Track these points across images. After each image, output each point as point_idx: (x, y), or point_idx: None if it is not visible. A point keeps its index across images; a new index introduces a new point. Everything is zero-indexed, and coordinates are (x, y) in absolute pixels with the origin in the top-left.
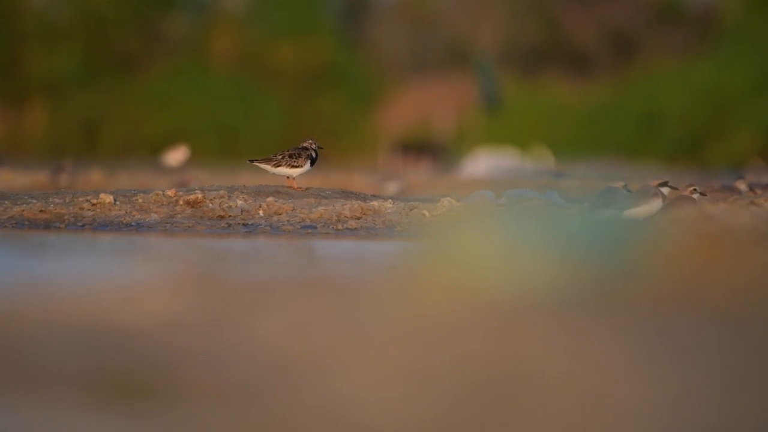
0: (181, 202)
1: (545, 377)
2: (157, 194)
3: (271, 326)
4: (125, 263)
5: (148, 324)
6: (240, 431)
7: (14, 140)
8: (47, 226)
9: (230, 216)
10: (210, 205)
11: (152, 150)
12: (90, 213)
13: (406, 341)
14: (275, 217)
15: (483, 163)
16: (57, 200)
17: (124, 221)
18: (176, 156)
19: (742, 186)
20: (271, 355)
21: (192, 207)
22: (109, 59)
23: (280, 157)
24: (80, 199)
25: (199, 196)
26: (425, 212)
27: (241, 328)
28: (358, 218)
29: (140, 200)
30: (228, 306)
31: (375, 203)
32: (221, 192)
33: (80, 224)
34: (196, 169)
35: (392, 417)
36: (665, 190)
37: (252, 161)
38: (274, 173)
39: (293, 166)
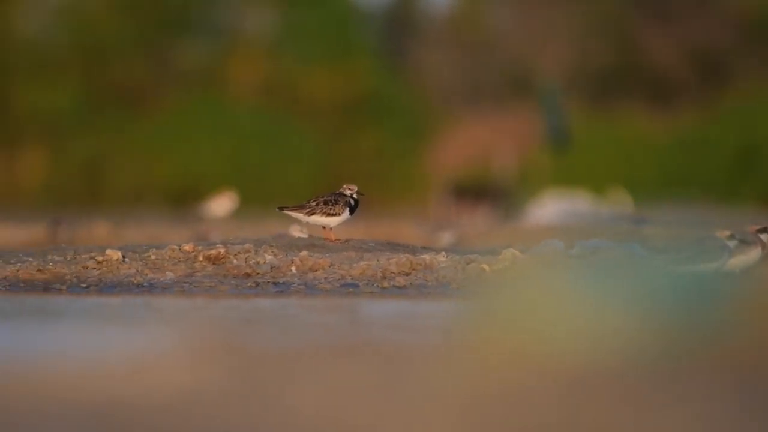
0: (200, 258)
1: None
2: (173, 249)
3: (305, 400)
4: (137, 330)
5: (164, 398)
6: None
7: (6, 189)
8: (46, 288)
9: (258, 273)
10: (234, 261)
11: (165, 197)
12: (95, 272)
13: (462, 415)
14: (310, 274)
15: (551, 208)
16: (57, 258)
17: (135, 281)
18: (223, 204)
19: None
20: None
21: (213, 263)
22: (112, 93)
23: (314, 204)
24: (83, 256)
25: (222, 250)
26: (485, 266)
27: (270, 401)
28: (407, 274)
29: (153, 257)
30: (256, 377)
31: (426, 257)
32: (247, 246)
33: (84, 285)
34: (211, 218)
35: None
36: (765, 237)
37: (282, 209)
38: (307, 223)
39: (329, 215)
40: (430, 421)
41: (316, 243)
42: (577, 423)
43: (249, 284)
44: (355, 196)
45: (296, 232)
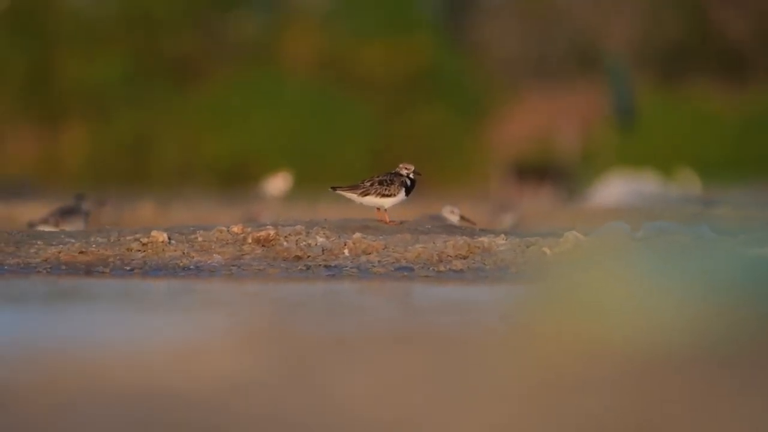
0: (249, 241)
1: None
2: (221, 231)
3: (355, 389)
4: (182, 315)
5: (210, 388)
6: None
7: (48, 166)
8: (88, 270)
9: (309, 256)
10: (284, 243)
11: (214, 176)
12: (140, 254)
13: (520, 406)
14: (363, 257)
15: (616, 189)
16: (100, 239)
17: (181, 264)
18: (277, 184)
19: None
20: (355, 425)
21: (263, 246)
22: (161, 67)
23: (369, 184)
24: (128, 237)
25: (272, 232)
26: (546, 249)
27: (319, 391)
28: (464, 257)
29: (200, 238)
30: (305, 365)
31: (484, 239)
32: (298, 227)
33: (128, 268)
34: (266, 199)
35: None
36: None
37: (335, 189)
38: (361, 204)
39: (384, 195)
40: (486, 413)
41: (369, 225)
42: (641, 413)
43: (299, 267)
44: (411, 175)
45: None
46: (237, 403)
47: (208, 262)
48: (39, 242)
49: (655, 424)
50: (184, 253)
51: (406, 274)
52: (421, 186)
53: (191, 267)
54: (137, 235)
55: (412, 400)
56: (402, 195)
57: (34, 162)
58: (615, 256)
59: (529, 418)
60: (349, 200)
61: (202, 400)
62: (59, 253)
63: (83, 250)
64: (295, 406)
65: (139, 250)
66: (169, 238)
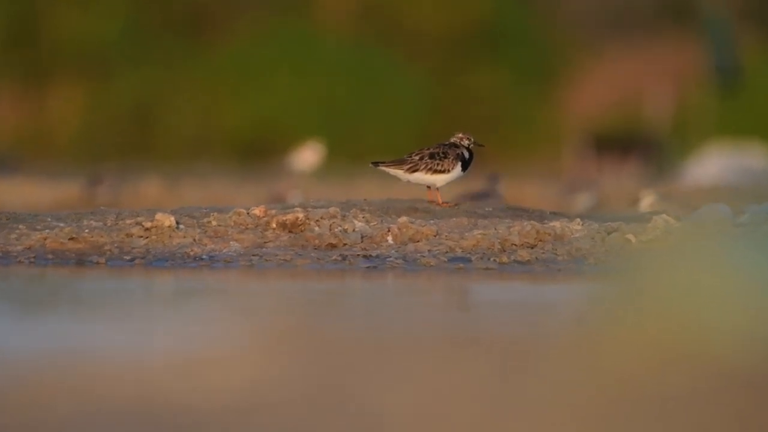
0: (273, 225)
1: None
2: (240, 214)
3: (398, 403)
4: (192, 314)
5: (226, 400)
6: None
7: (35, 137)
8: (80, 260)
9: (345, 244)
10: (316, 228)
11: (231, 149)
12: (142, 242)
13: (595, 422)
14: (411, 246)
15: (715, 163)
16: (95, 223)
17: (192, 253)
18: (305, 158)
19: None
20: None
21: (290, 232)
22: (169, 18)
23: (418, 158)
24: (128, 221)
25: (301, 216)
26: (630, 237)
27: (354, 405)
28: (532, 246)
29: (214, 222)
30: (340, 374)
31: (556, 224)
32: (332, 210)
33: (128, 258)
34: (294, 175)
35: None
36: None
37: (377, 164)
38: (408, 181)
39: (437, 171)
40: (553, 428)
41: (418, 206)
42: (739, 427)
43: (334, 258)
44: (470, 147)
45: None
46: (257, 421)
47: (224, 250)
48: (21, 227)
49: None
50: (194, 240)
51: (461, 266)
52: (480, 161)
53: (203, 257)
54: (139, 219)
55: (464, 415)
56: (458, 171)
57: (17, 132)
58: (714, 245)
59: None
60: (394, 178)
61: (216, 413)
62: (45, 239)
63: (74, 236)
64: (327, 423)
65: (142, 237)
66: (177, 223)
